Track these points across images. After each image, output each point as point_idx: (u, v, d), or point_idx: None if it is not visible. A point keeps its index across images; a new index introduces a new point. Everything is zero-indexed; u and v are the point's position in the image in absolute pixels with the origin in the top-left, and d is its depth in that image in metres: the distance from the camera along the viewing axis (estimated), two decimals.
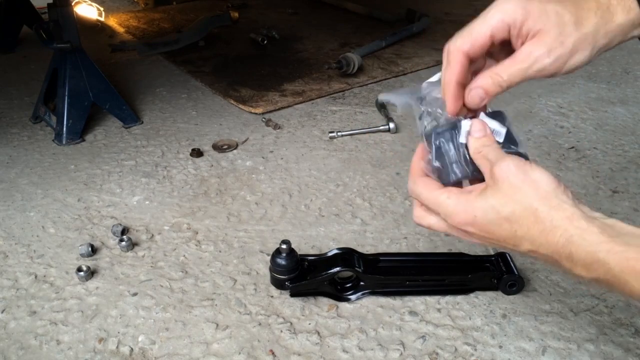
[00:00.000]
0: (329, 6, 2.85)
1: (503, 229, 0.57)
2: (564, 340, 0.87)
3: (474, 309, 0.94)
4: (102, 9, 2.66)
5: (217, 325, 0.92)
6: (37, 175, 1.38)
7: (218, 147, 1.49)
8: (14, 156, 1.48)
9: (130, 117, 1.63)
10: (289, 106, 1.73)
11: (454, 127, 0.63)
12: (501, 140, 0.62)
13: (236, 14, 2.40)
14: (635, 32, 0.62)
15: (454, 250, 1.07)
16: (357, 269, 0.94)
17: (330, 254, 0.99)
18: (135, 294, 0.99)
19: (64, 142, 1.52)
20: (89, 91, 1.55)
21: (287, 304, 0.96)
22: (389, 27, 2.41)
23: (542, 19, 0.58)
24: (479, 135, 0.61)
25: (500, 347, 0.87)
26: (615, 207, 1.20)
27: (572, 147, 1.45)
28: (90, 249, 1.08)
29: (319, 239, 1.13)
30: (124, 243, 1.09)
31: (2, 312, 0.96)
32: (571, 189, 0.56)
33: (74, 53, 1.52)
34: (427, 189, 0.62)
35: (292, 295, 0.96)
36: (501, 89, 0.59)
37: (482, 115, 0.63)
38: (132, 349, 0.88)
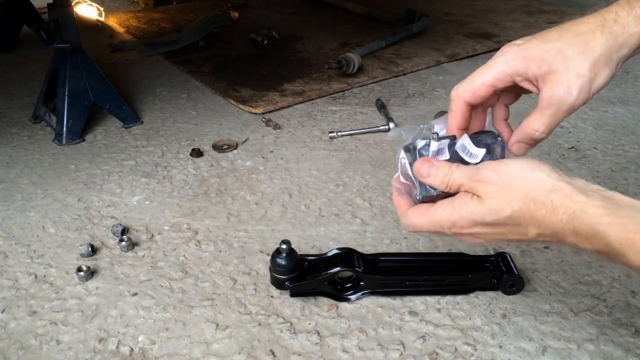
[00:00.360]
0: (329, 6, 2.85)
1: (507, 224, 0.58)
2: (564, 340, 0.87)
3: (474, 309, 0.94)
4: (102, 9, 2.66)
5: (217, 325, 0.92)
6: (37, 175, 1.38)
7: (218, 147, 1.49)
8: (14, 156, 1.48)
9: (130, 117, 1.63)
10: (289, 106, 1.73)
11: (424, 146, 0.65)
12: (476, 162, 0.63)
13: (236, 14, 2.40)
14: None
15: (454, 250, 1.07)
16: (357, 269, 0.94)
17: (330, 254, 0.99)
18: (135, 294, 0.99)
19: (64, 142, 1.52)
20: (89, 91, 1.55)
21: (287, 304, 0.96)
22: (389, 27, 2.41)
23: (545, 62, 0.59)
24: (434, 173, 0.62)
25: (500, 347, 0.87)
26: None
27: (572, 147, 1.45)
28: (90, 249, 1.08)
29: (319, 239, 1.13)
30: (124, 243, 1.09)
31: (2, 312, 0.96)
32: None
33: (74, 53, 1.52)
34: (420, 216, 0.64)
35: (292, 295, 0.96)
36: (539, 140, 0.63)
37: (464, 137, 0.64)
38: (132, 349, 0.88)
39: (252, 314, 0.94)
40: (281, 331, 0.90)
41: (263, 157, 1.44)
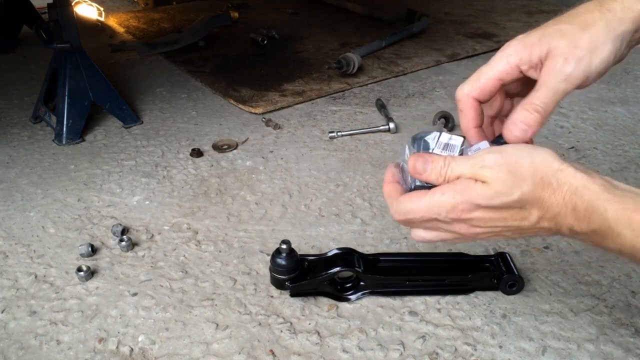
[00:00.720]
0: (329, 6, 2.85)
1: (513, 207, 0.57)
2: (564, 340, 0.87)
3: (474, 309, 0.94)
4: (102, 9, 2.66)
5: (217, 325, 0.92)
6: (37, 175, 1.38)
7: (218, 147, 1.49)
8: (14, 156, 1.48)
9: (130, 117, 1.63)
10: (289, 106, 1.73)
11: (433, 138, 0.63)
12: (455, 153, 0.62)
13: (236, 14, 2.40)
14: None
15: (454, 250, 1.07)
16: (357, 269, 0.94)
17: (330, 254, 0.99)
18: (135, 294, 0.99)
19: (64, 142, 1.52)
20: (89, 91, 1.55)
21: (287, 304, 0.96)
22: (389, 27, 2.41)
23: (545, 43, 0.59)
24: (429, 169, 0.60)
25: (500, 347, 0.87)
26: None
27: (572, 147, 1.45)
28: (90, 249, 1.08)
29: (319, 239, 1.13)
30: (124, 243, 1.09)
31: (2, 312, 0.96)
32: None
33: (74, 53, 1.52)
34: (415, 200, 0.60)
35: (292, 295, 0.96)
36: (540, 115, 0.59)
37: (484, 142, 0.62)
38: (132, 349, 0.88)
39: (252, 314, 0.94)
40: (281, 331, 0.90)
41: (263, 157, 1.44)
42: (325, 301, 0.96)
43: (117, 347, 0.88)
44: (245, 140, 1.53)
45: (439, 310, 0.94)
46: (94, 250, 1.09)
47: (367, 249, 1.09)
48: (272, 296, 0.98)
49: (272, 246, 1.08)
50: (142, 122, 1.65)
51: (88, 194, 1.30)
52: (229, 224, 1.18)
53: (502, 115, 0.69)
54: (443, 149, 0.62)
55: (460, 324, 0.91)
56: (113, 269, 1.05)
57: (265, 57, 2.17)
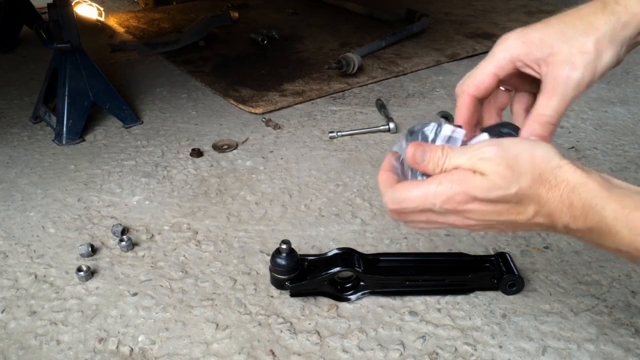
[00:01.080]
0: (329, 6, 2.85)
1: (510, 202, 0.56)
2: (564, 340, 0.87)
3: (474, 309, 0.94)
4: (102, 9, 2.66)
5: (217, 325, 0.92)
6: (37, 175, 1.38)
7: (218, 147, 1.49)
8: (14, 156, 1.48)
9: (130, 117, 1.63)
10: (289, 106, 1.73)
11: (433, 129, 0.61)
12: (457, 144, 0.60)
13: (236, 14, 2.40)
14: None
15: (454, 250, 1.07)
16: (357, 269, 0.94)
17: (330, 254, 0.99)
18: (135, 294, 0.99)
19: (64, 142, 1.52)
20: (89, 91, 1.55)
21: (287, 304, 0.96)
22: (389, 27, 2.41)
23: (546, 44, 0.59)
24: (427, 159, 0.58)
25: (500, 347, 0.87)
26: None
27: (572, 147, 1.45)
28: (90, 249, 1.08)
29: (319, 239, 1.13)
30: (124, 243, 1.09)
31: (2, 312, 0.96)
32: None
33: (74, 53, 1.52)
34: (410, 189, 0.59)
35: (292, 295, 0.96)
36: (552, 125, 0.59)
37: (483, 134, 0.61)
38: (132, 349, 0.88)
39: (252, 314, 0.94)
40: (281, 331, 0.90)
41: (263, 157, 1.44)
42: (325, 301, 0.96)
43: (117, 347, 0.88)
44: (245, 140, 1.53)
45: (439, 310, 0.94)
46: (94, 250, 1.09)
47: (367, 249, 1.09)
48: (272, 296, 0.98)
49: (272, 246, 1.08)
50: (142, 122, 1.65)
51: (88, 194, 1.30)
52: (229, 224, 1.18)
53: (497, 106, 0.69)
54: (445, 142, 0.60)
55: (460, 324, 0.91)
56: (113, 269, 1.05)
57: (265, 57, 2.17)
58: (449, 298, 0.96)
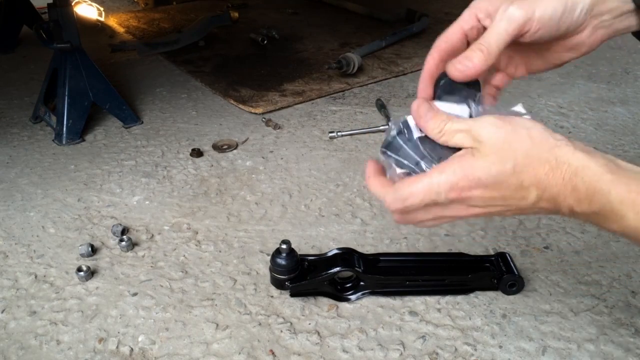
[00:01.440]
0: (329, 6, 2.85)
1: (510, 183, 0.56)
2: (564, 340, 0.87)
3: (474, 309, 0.94)
4: (102, 9, 2.66)
5: (217, 325, 0.92)
6: (37, 175, 1.38)
7: (218, 147, 1.49)
8: (14, 156, 1.48)
9: (130, 117, 1.63)
10: (289, 106, 1.73)
11: (401, 130, 0.61)
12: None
13: (236, 14, 2.40)
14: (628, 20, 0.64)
15: (454, 250, 1.07)
16: (357, 269, 0.94)
17: (330, 254, 0.99)
18: (135, 294, 0.99)
19: (64, 142, 1.52)
20: (89, 91, 1.55)
21: (287, 304, 0.96)
22: (389, 27, 2.41)
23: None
24: (430, 117, 0.59)
25: (500, 347, 0.87)
26: None
27: None
28: (90, 249, 1.08)
29: (319, 239, 1.13)
30: (124, 243, 1.09)
31: (2, 312, 0.96)
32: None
33: (74, 53, 1.52)
34: (413, 184, 0.59)
35: (292, 295, 0.96)
36: (483, 54, 0.60)
37: (435, 102, 0.62)
38: (132, 349, 0.88)
39: (252, 314, 0.94)
40: (281, 331, 0.90)
41: (263, 157, 1.44)
42: (325, 301, 0.96)
43: (117, 347, 0.88)
44: (245, 140, 1.53)
45: (439, 310, 0.94)
46: (94, 250, 1.09)
47: (367, 249, 1.09)
48: (272, 296, 0.98)
49: (272, 246, 1.08)
50: (142, 122, 1.65)
51: (88, 194, 1.30)
52: (229, 224, 1.18)
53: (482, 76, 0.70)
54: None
55: (460, 324, 0.91)
56: (113, 269, 1.05)
57: (265, 57, 2.17)
58: (449, 298, 0.96)
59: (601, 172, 0.53)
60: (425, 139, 0.60)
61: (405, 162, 0.61)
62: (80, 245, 1.09)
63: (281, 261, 0.93)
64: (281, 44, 2.30)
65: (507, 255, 0.99)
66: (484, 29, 0.62)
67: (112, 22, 2.68)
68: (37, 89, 1.68)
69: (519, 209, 0.58)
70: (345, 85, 1.85)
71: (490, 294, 0.97)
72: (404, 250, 1.09)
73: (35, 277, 1.04)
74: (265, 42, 2.24)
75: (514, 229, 1.13)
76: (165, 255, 1.09)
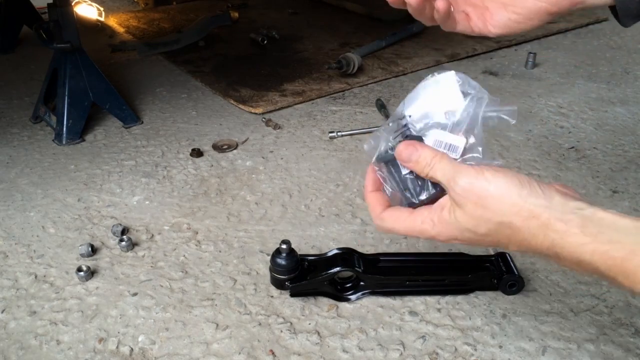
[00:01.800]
0: (329, 6, 2.85)
1: (487, 241, 0.58)
2: (564, 340, 0.87)
3: (474, 309, 0.94)
4: (102, 9, 2.66)
5: (217, 325, 0.92)
6: (37, 175, 1.38)
7: (218, 147, 1.49)
8: (14, 156, 1.48)
9: (130, 117, 1.63)
10: (289, 106, 1.73)
11: (393, 158, 0.64)
12: (457, 155, 0.60)
13: (236, 14, 2.40)
14: None
15: (454, 250, 1.07)
16: (357, 269, 0.94)
17: (330, 254, 0.99)
18: (135, 294, 0.99)
19: (64, 142, 1.52)
20: (89, 91, 1.55)
21: (287, 304, 0.96)
22: (389, 27, 2.41)
23: None
24: (412, 162, 0.60)
25: (500, 347, 0.87)
26: (615, 207, 1.20)
27: (572, 147, 1.45)
28: (90, 249, 1.08)
29: (319, 239, 1.13)
30: (124, 243, 1.09)
31: (2, 312, 0.96)
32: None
33: (74, 53, 1.52)
34: (398, 222, 0.63)
35: (292, 295, 0.96)
36: None
37: (432, 131, 0.61)
38: (132, 349, 0.88)
39: (252, 314, 0.94)
40: (281, 331, 0.90)
41: (263, 157, 1.44)
42: (325, 301, 0.96)
43: (117, 347, 0.88)
44: (245, 140, 1.53)
45: (439, 310, 0.94)
46: (94, 250, 1.09)
47: (367, 249, 1.09)
48: (272, 296, 0.98)
49: (272, 246, 1.08)
50: (142, 122, 1.65)
51: (88, 194, 1.30)
52: (229, 224, 1.18)
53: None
54: (444, 148, 0.60)
55: (460, 324, 0.91)
56: (113, 269, 1.05)
57: (265, 57, 2.17)
58: (449, 298, 0.96)
59: (580, 244, 0.51)
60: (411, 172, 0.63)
61: (394, 186, 0.65)
62: (80, 245, 1.09)
63: (281, 261, 0.93)
64: (281, 44, 2.30)
65: (507, 255, 0.99)
66: None
67: (112, 22, 2.67)
68: (37, 89, 1.68)
69: (500, 245, 0.60)
70: (345, 85, 1.85)
71: (490, 294, 0.97)
72: (404, 250, 1.09)
73: (35, 277, 1.04)
74: (265, 42, 2.24)
75: None
76: (165, 255, 1.09)
